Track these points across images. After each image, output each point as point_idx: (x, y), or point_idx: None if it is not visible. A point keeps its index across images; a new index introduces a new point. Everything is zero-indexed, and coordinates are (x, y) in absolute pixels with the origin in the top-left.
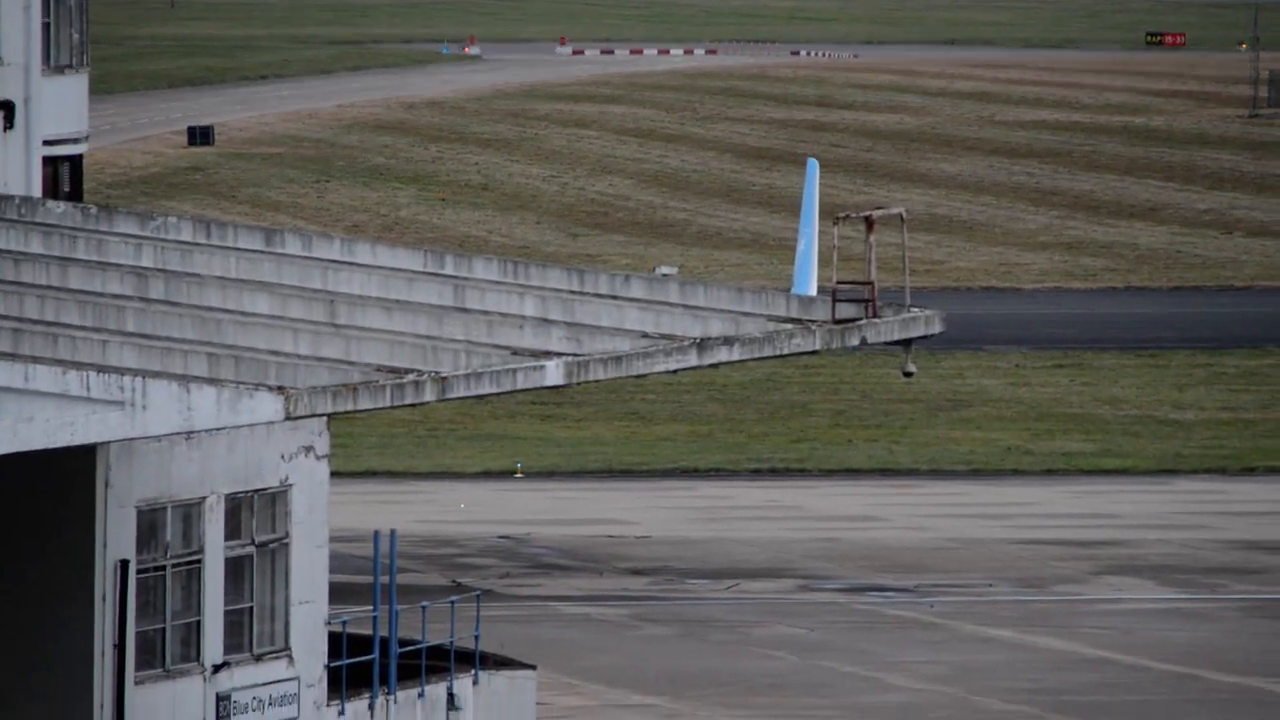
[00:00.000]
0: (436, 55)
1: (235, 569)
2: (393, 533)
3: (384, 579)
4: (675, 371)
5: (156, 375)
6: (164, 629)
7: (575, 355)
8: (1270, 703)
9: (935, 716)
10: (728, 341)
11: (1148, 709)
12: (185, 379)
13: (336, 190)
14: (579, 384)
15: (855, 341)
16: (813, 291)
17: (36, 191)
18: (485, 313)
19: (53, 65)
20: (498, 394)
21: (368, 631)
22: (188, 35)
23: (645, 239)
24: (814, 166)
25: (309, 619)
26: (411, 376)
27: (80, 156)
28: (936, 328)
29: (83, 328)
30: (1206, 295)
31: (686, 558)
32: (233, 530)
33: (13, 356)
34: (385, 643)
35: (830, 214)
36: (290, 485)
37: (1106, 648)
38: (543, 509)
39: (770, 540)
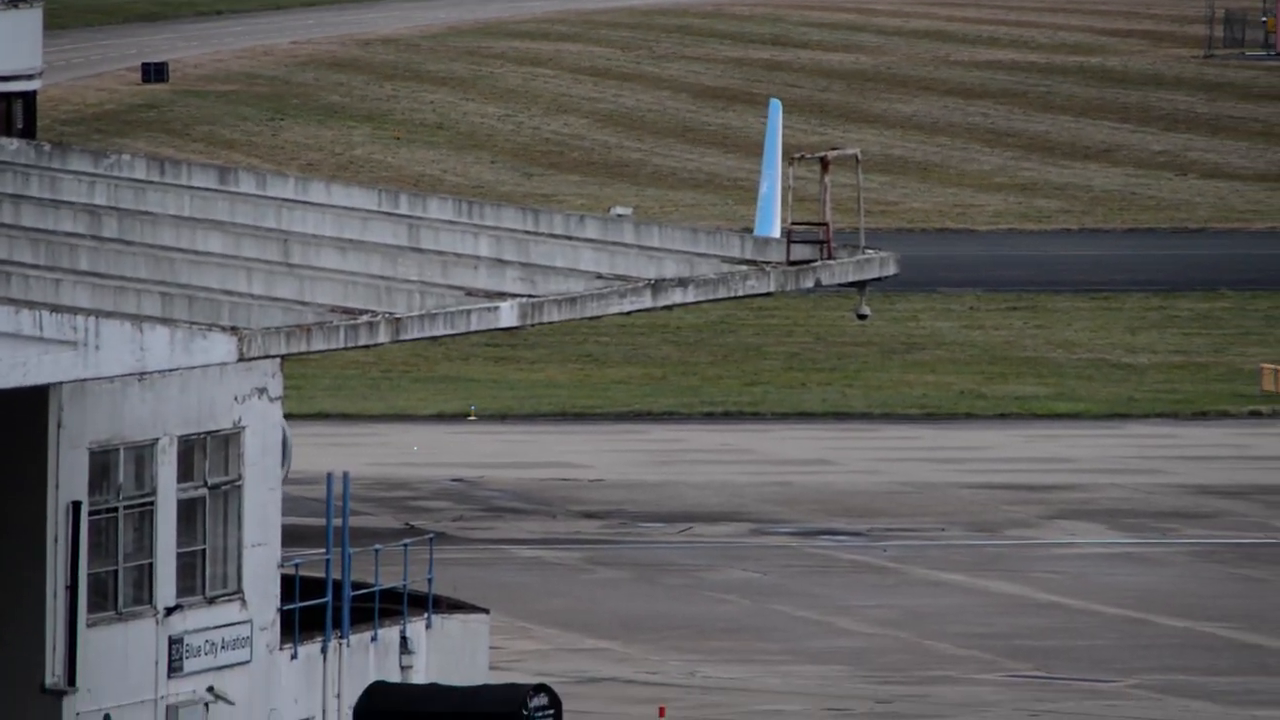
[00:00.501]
0: None
1: (187, 511)
2: (345, 475)
3: (336, 522)
4: (630, 313)
5: (110, 315)
6: (116, 571)
7: (530, 296)
8: (1220, 647)
9: (887, 660)
10: (682, 283)
11: (1099, 653)
12: (138, 319)
13: (291, 129)
14: (533, 325)
15: (810, 283)
16: (776, 233)
17: None
18: (440, 253)
19: None
20: (452, 335)
21: (320, 574)
22: None
23: (600, 179)
24: (776, 107)
25: (261, 562)
26: (365, 317)
27: (34, 93)
28: (891, 269)
29: (35, 266)
30: (1160, 237)
31: (640, 501)
32: (185, 472)
33: None
34: (338, 586)
35: (786, 155)
36: (243, 427)
37: (1058, 592)
38: (496, 452)
39: (723, 484)
